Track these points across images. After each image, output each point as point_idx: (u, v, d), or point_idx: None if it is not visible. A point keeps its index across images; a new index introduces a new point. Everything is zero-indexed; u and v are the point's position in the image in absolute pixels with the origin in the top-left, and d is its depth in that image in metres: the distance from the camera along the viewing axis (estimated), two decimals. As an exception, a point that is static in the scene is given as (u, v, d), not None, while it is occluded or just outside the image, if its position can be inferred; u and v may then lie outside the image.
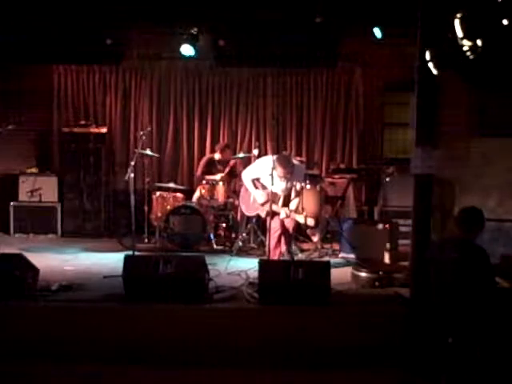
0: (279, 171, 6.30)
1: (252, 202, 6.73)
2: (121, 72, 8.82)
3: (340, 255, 7.02)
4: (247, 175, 6.76)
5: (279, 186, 6.52)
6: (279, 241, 6.52)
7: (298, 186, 6.59)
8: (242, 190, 6.99)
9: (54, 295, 5.20)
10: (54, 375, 4.48)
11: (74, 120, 8.73)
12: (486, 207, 4.12)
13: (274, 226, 6.36)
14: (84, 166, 8.37)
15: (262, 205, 6.57)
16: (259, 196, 6.62)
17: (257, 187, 6.71)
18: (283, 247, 6.57)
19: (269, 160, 6.48)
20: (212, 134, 8.84)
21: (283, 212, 6.49)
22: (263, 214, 6.60)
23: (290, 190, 6.63)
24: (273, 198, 6.31)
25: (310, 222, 6.42)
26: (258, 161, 6.89)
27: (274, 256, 6.43)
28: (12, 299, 4.94)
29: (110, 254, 7.11)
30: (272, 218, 6.22)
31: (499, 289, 4.08)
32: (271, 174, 6.20)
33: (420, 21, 4.72)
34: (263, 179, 6.59)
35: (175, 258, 5.23)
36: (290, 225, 6.64)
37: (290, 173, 6.37)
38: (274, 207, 6.39)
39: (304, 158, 8.39)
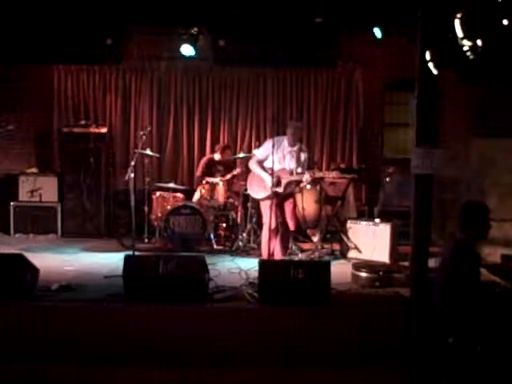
0: (291, 126, 6.65)
1: (262, 183, 6.59)
2: (121, 72, 8.82)
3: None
4: (253, 160, 6.71)
5: (288, 162, 6.55)
6: (276, 235, 6.50)
7: (303, 158, 6.63)
8: (249, 176, 6.86)
9: (54, 295, 5.19)
10: (53, 375, 4.49)
11: (74, 120, 8.72)
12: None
13: (273, 219, 6.32)
14: (84, 166, 8.35)
15: (273, 186, 6.42)
16: (269, 180, 6.46)
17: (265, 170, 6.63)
18: (277, 246, 6.53)
19: (271, 140, 6.45)
20: (212, 133, 8.84)
21: (307, 175, 6.44)
22: (281, 189, 6.49)
23: (297, 167, 6.59)
24: (285, 173, 6.51)
25: (335, 173, 6.73)
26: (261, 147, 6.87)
27: (269, 249, 6.38)
28: (12, 299, 4.93)
29: (110, 253, 7.11)
30: (271, 210, 6.20)
31: (499, 289, 4.08)
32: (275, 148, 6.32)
33: (420, 21, 4.71)
34: (270, 159, 6.45)
35: (175, 258, 5.22)
36: (291, 222, 6.67)
37: (299, 133, 6.78)
38: (292, 178, 6.49)
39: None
